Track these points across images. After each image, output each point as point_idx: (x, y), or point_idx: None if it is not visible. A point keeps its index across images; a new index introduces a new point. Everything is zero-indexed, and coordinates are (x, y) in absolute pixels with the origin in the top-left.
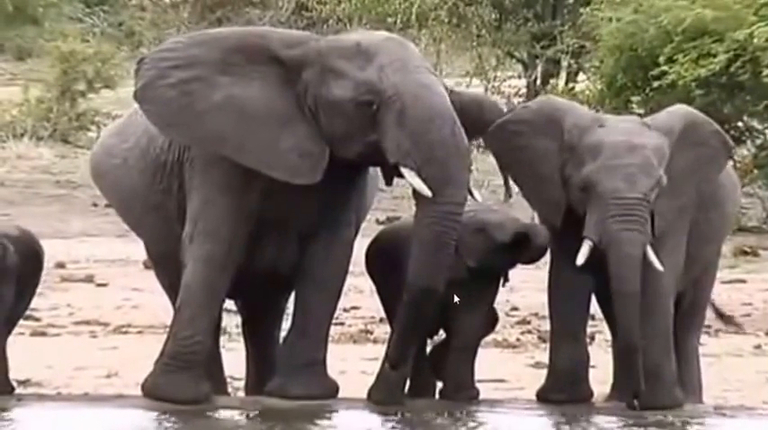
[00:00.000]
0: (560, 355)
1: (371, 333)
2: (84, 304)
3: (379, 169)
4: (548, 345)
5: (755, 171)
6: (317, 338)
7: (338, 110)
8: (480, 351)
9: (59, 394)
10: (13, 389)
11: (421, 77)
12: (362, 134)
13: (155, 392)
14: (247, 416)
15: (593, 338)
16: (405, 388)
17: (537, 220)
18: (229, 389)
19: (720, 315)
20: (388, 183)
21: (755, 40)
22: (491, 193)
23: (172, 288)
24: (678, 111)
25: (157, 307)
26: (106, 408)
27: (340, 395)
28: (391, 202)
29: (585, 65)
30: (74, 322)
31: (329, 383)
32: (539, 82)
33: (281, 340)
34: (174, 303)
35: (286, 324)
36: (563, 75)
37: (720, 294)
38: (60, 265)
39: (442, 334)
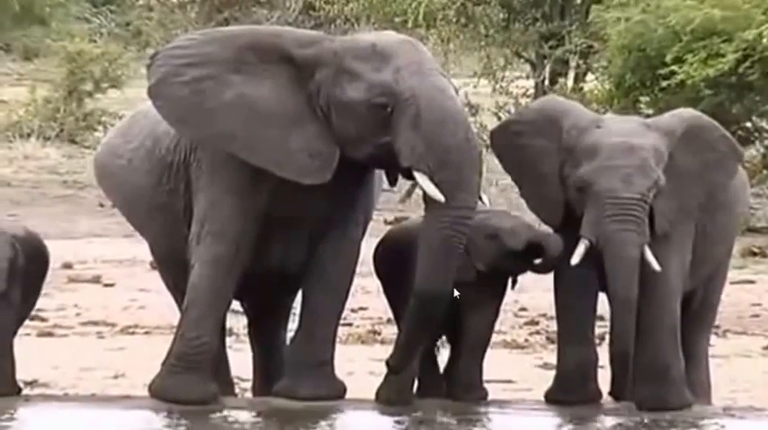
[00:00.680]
0: (568, 356)
1: (379, 334)
2: (92, 305)
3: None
4: (556, 346)
5: (764, 171)
6: (325, 339)
7: (351, 111)
8: (489, 351)
9: (66, 395)
10: (20, 389)
11: (436, 81)
12: (374, 136)
13: (162, 393)
14: (255, 416)
15: (602, 339)
16: (413, 388)
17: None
18: (237, 390)
19: None
20: (392, 184)
21: (764, 40)
22: (500, 192)
23: (177, 288)
24: (682, 114)
25: (164, 307)
26: (113, 409)
27: (348, 396)
28: (399, 203)
29: (594, 65)
30: (81, 323)
31: (337, 384)
32: (547, 82)
33: (287, 340)
34: (178, 303)
35: (292, 324)
36: (571, 75)
37: (729, 295)
38: (67, 266)
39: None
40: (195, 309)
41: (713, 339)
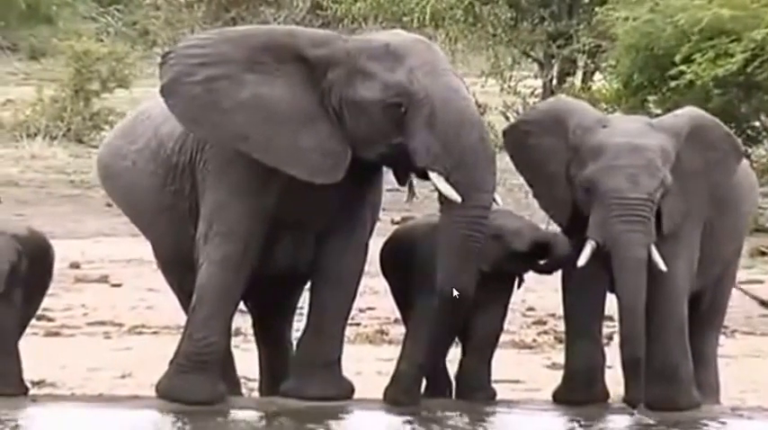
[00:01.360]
0: (576, 356)
1: (387, 333)
2: (99, 304)
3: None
4: (564, 346)
5: None
6: (333, 339)
7: (365, 111)
8: (497, 351)
9: (74, 395)
10: (27, 389)
11: (450, 81)
12: (388, 136)
13: (169, 393)
14: (262, 416)
15: (610, 339)
16: (421, 388)
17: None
18: (244, 390)
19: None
20: (402, 183)
21: None
22: (507, 191)
23: (181, 288)
24: (686, 113)
25: (172, 307)
26: (120, 409)
27: (355, 396)
28: (406, 202)
29: (602, 64)
30: (88, 323)
31: (345, 384)
32: (555, 81)
33: (293, 339)
34: (182, 303)
35: (299, 324)
36: (579, 74)
37: (739, 295)
38: (74, 266)
39: None
40: (203, 310)
41: (722, 339)
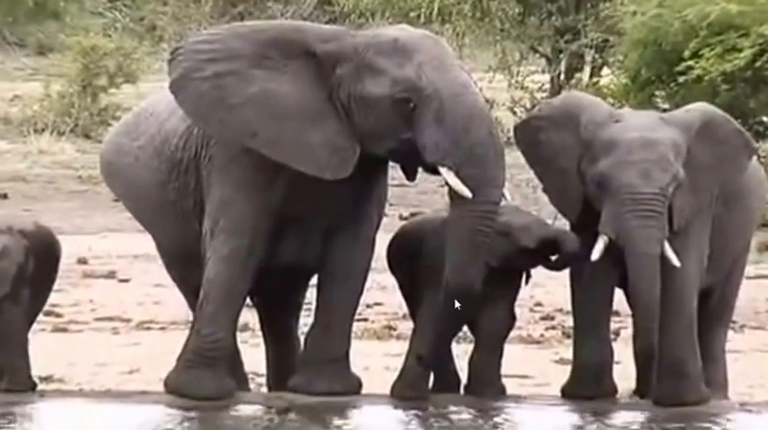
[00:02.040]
0: (584, 351)
1: (395, 329)
2: (107, 300)
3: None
4: (572, 341)
5: None
6: (340, 334)
7: (373, 106)
8: (505, 347)
9: (82, 390)
10: (35, 385)
11: (458, 76)
12: (396, 131)
13: (177, 388)
14: (270, 411)
15: (617, 334)
16: (428, 383)
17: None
18: (252, 385)
19: None
20: (411, 179)
21: None
22: (515, 187)
23: (186, 284)
24: (698, 108)
25: (180, 302)
26: (129, 405)
27: (363, 391)
28: (415, 198)
29: (609, 59)
30: (96, 318)
31: (352, 379)
32: (562, 76)
33: (300, 333)
34: (188, 299)
35: (307, 319)
36: (587, 69)
37: (747, 290)
38: (82, 261)
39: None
40: (210, 305)
41: (730, 334)
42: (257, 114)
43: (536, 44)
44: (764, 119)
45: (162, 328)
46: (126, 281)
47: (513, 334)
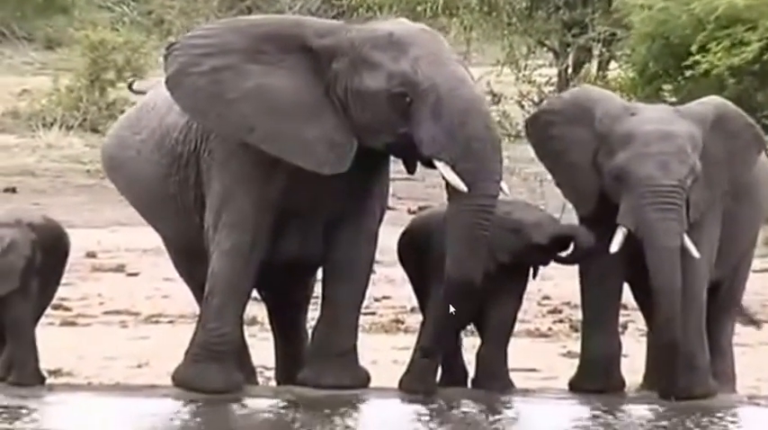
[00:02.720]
0: (592, 345)
1: (403, 322)
2: (115, 294)
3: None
4: (580, 335)
5: None
6: (347, 328)
7: (370, 101)
8: (512, 340)
9: (90, 384)
10: (43, 378)
11: (455, 70)
12: (393, 125)
13: (185, 382)
14: (278, 405)
15: (625, 327)
16: (437, 377)
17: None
18: (260, 379)
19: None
20: (411, 171)
21: None
22: (522, 181)
23: (191, 277)
24: (711, 102)
25: (188, 296)
26: (137, 398)
27: (371, 384)
28: (423, 192)
29: (617, 53)
30: (104, 312)
31: (361, 373)
32: (570, 70)
33: (308, 327)
34: (194, 292)
35: (315, 313)
36: (594, 63)
37: (754, 283)
38: (91, 255)
39: None
40: (215, 300)
41: (738, 328)
42: (254, 109)
43: (543, 38)
44: None
45: (171, 322)
46: (135, 274)
47: (520, 327)
